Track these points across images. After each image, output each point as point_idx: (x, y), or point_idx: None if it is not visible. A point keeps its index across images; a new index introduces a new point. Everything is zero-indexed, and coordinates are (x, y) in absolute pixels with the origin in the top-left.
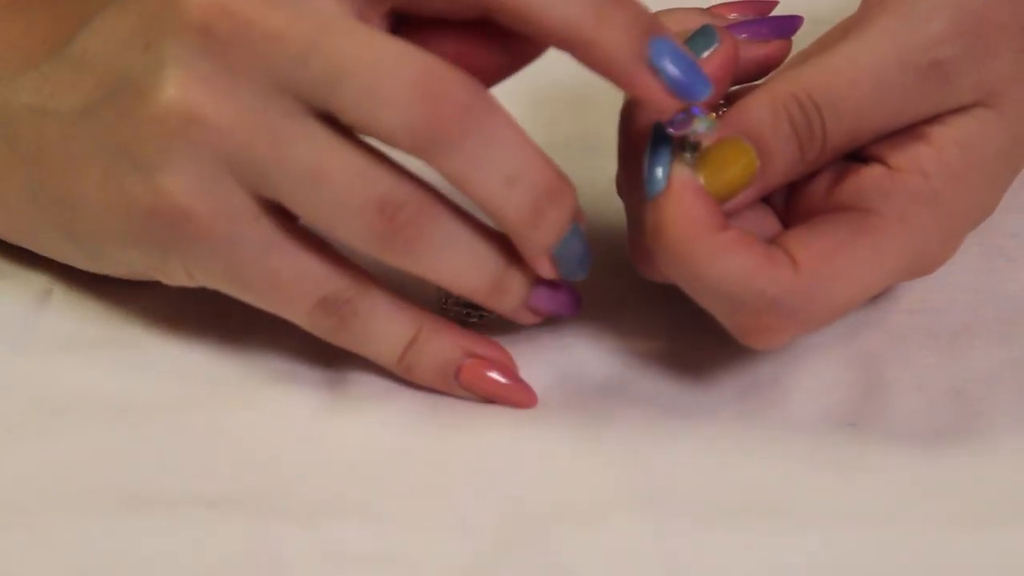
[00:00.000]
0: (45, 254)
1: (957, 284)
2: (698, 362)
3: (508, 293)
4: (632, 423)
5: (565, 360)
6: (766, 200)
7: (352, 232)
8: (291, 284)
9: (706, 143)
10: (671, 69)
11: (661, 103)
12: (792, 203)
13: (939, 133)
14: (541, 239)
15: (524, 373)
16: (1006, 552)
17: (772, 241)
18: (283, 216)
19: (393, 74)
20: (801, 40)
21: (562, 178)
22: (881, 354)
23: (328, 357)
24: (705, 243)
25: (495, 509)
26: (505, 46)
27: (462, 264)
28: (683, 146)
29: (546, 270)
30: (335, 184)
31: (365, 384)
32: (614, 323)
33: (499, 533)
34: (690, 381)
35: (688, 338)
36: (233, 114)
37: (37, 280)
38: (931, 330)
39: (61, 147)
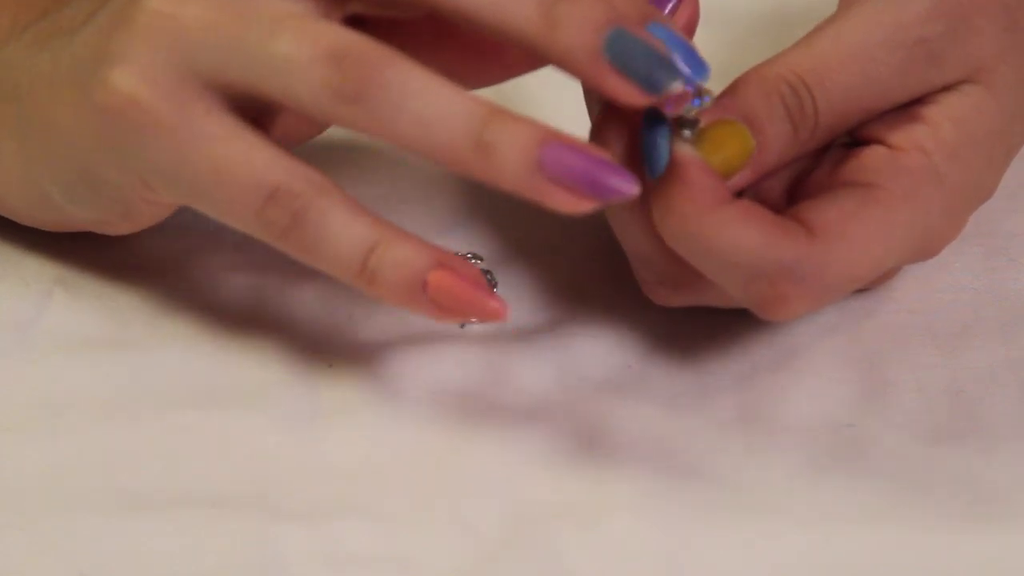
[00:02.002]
0: (36, 214)
1: (957, 284)
2: (698, 362)
3: (496, 149)
4: (632, 423)
5: (565, 360)
6: (765, 199)
7: (306, 90)
8: (240, 175)
9: (704, 120)
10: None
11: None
12: (794, 194)
13: (933, 112)
14: (567, 39)
15: (524, 373)
16: (1006, 552)
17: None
18: (239, 115)
19: None
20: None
21: None
22: (881, 354)
23: (329, 358)
24: (717, 215)
25: (495, 509)
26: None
27: (428, 113)
28: (680, 124)
29: (612, 83)
30: (284, 43)
31: (365, 385)
32: (614, 323)
33: (500, 533)
34: (690, 381)
35: (688, 338)
36: (202, 8)
37: (37, 280)
38: (931, 330)
39: (48, 77)
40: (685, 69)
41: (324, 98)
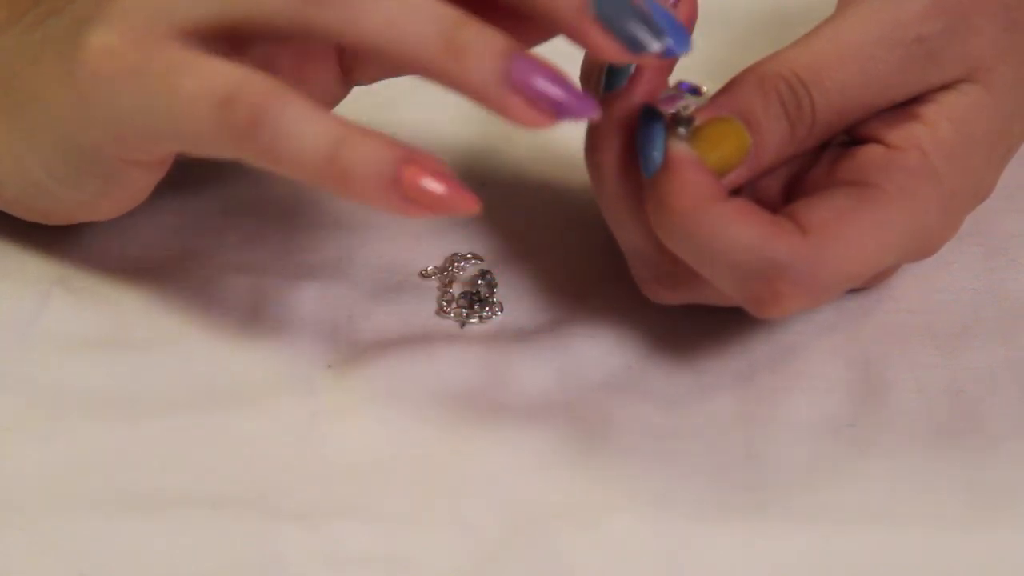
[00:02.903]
0: (29, 202)
1: (957, 284)
2: (698, 362)
3: (467, 52)
4: (632, 423)
5: (565, 360)
6: (762, 197)
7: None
8: (194, 86)
9: (699, 118)
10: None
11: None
12: (791, 192)
13: (931, 111)
14: None
15: (524, 373)
16: (1006, 552)
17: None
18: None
19: None
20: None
21: None
22: (881, 354)
23: (329, 358)
24: (711, 213)
25: (495, 509)
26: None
27: (399, 12)
28: (676, 122)
29: (598, 39)
30: None
31: (365, 385)
32: (614, 323)
33: (500, 533)
34: (690, 381)
35: (687, 337)
36: None
37: (37, 280)
38: (931, 330)
39: (35, 54)
40: (669, 39)
41: (293, 2)
